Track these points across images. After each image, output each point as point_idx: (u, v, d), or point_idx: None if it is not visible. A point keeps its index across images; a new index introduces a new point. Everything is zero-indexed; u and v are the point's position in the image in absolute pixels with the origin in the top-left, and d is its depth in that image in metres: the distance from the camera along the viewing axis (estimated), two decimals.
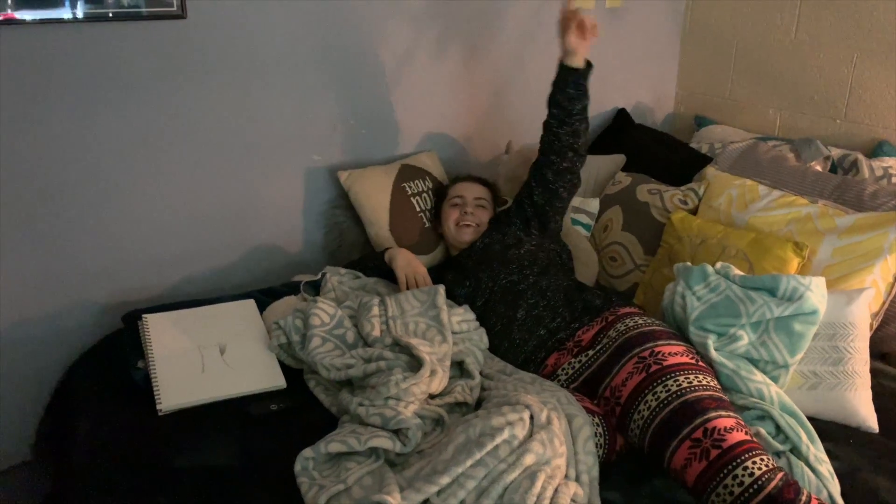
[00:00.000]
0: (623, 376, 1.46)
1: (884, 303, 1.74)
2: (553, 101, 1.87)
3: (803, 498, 1.19)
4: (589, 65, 1.83)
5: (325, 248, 2.25)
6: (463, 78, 2.37)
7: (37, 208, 1.79)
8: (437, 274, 1.99)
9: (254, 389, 1.59)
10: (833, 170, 2.22)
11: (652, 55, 2.80)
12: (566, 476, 1.30)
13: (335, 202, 2.21)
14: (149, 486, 1.35)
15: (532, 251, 1.89)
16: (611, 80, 2.70)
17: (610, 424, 1.45)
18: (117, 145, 1.85)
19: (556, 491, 1.21)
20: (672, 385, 1.37)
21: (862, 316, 1.60)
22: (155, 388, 1.55)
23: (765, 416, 1.44)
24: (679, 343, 1.51)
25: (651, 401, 1.37)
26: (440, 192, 2.18)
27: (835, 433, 1.50)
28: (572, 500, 1.23)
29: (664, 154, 2.39)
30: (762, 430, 1.40)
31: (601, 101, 2.70)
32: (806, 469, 1.34)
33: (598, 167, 2.34)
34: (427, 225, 2.17)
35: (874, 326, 1.74)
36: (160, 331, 1.68)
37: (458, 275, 1.92)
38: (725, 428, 1.28)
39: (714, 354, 1.51)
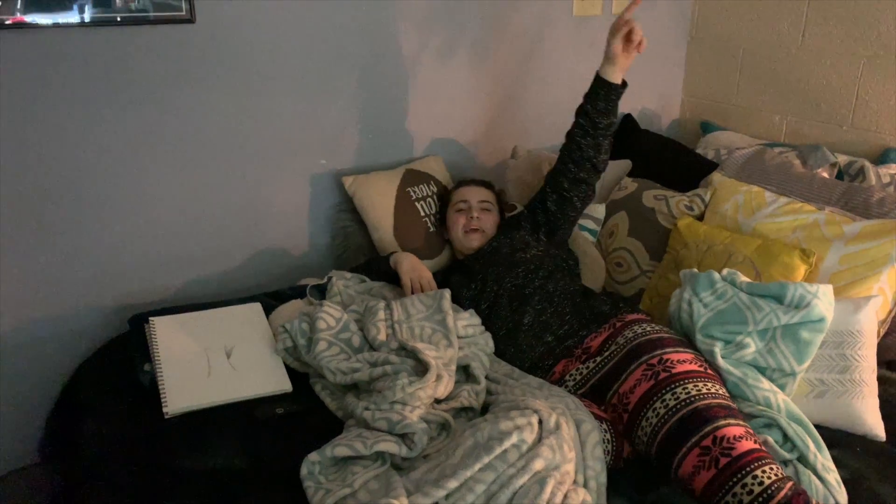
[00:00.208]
0: (631, 383, 1.45)
1: (891, 310, 1.74)
2: (582, 112, 1.89)
3: None
4: (624, 84, 1.84)
5: (331, 252, 2.25)
6: (469, 83, 2.37)
7: (44, 211, 1.80)
8: (443, 278, 1.99)
9: (260, 393, 1.60)
10: (839, 177, 2.22)
11: (658, 61, 2.80)
12: (574, 482, 1.30)
13: (341, 206, 2.21)
14: (155, 488, 1.35)
15: (539, 256, 1.89)
16: None
17: (618, 431, 1.45)
18: (124, 148, 1.86)
19: (565, 497, 1.21)
20: (681, 393, 1.37)
21: (869, 324, 1.60)
22: (161, 391, 1.55)
23: (772, 424, 1.44)
24: (687, 351, 1.50)
25: (659, 408, 1.37)
26: (444, 197, 2.18)
27: (842, 441, 1.49)
28: None
29: (670, 160, 2.39)
30: (769, 439, 1.40)
31: None
32: (813, 477, 1.34)
33: (604, 173, 2.33)
34: (432, 229, 2.17)
35: (881, 334, 1.73)
36: (167, 334, 1.69)
37: (463, 277, 1.92)
38: (735, 436, 1.28)
39: (721, 362, 1.51)
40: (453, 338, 1.64)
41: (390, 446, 1.33)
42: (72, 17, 1.70)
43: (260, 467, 1.40)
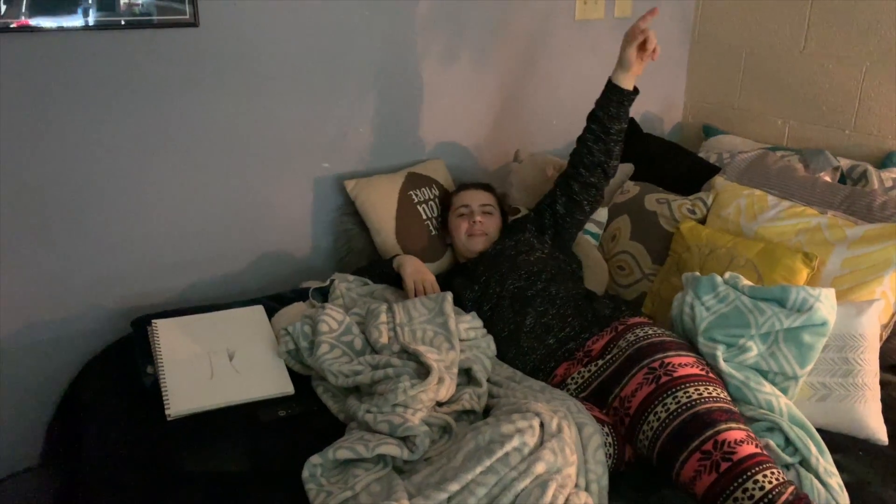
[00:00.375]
0: (633, 387, 1.45)
1: (893, 314, 1.73)
2: (593, 117, 1.92)
3: None
4: (636, 90, 1.87)
5: (334, 255, 2.25)
6: (472, 86, 2.37)
7: (47, 213, 1.80)
8: (445, 280, 1.99)
9: (262, 395, 1.60)
10: (842, 180, 2.22)
11: (660, 65, 2.78)
12: (576, 485, 1.30)
13: (344, 209, 2.22)
14: (157, 491, 1.35)
15: (542, 258, 1.90)
16: None
17: (619, 434, 1.45)
18: (128, 152, 1.86)
19: (566, 500, 1.21)
20: (682, 396, 1.37)
21: (872, 327, 1.59)
22: (164, 394, 1.55)
23: (774, 428, 1.43)
24: (689, 354, 1.50)
25: (661, 412, 1.37)
26: (445, 201, 2.18)
27: (844, 445, 1.49)
28: None
29: (672, 163, 2.39)
30: (771, 443, 1.39)
31: None
32: (815, 482, 1.34)
33: None
34: (434, 233, 2.17)
35: (884, 338, 1.73)
36: (169, 336, 1.69)
37: (466, 279, 1.92)
38: (736, 440, 1.28)
39: (723, 365, 1.51)
40: (455, 341, 1.64)
41: (392, 449, 1.33)
42: (76, 21, 1.71)
43: (262, 469, 1.40)
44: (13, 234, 1.77)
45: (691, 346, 1.59)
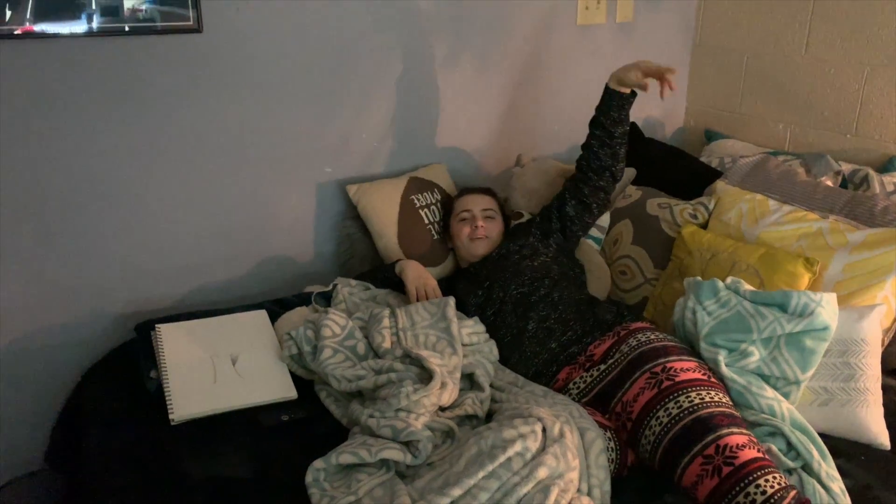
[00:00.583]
0: (635, 391, 1.46)
1: (895, 319, 1.74)
2: (596, 123, 1.94)
3: None
4: (633, 93, 1.89)
5: (337, 260, 2.26)
6: (473, 91, 2.38)
7: (51, 218, 1.81)
8: (448, 285, 2.00)
9: (265, 400, 1.60)
10: (844, 185, 2.22)
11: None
12: (578, 490, 1.30)
13: (346, 214, 2.23)
14: (160, 495, 1.36)
15: (546, 263, 1.90)
16: None
17: (621, 439, 1.45)
18: (131, 157, 1.87)
19: None
20: (684, 401, 1.37)
21: (873, 332, 1.60)
22: (167, 398, 1.56)
23: (776, 433, 1.44)
24: (691, 359, 1.51)
25: (663, 417, 1.37)
26: (447, 206, 2.19)
27: (846, 450, 1.49)
28: None
29: (674, 168, 2.39)
30: (773, 447, 1.40)
31: None
32: (817, 486, 1.34)
33: None
34: (436, 237, 2.18)
35: (886, 342, 1.73)
36: (173, 341, 1.70)
37: (469, 284, 1.93)
38: (738, 445, 1.28)
39: (725, 370, 1.51)
40: (458, 345, 1.65)
41: (395, 454, 1.34)
42: (80, 27, 1.72)
43: (265, 474, 1.41)
44: (17, 239, 1.78)
45: (693, 350, 1.59)
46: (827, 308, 1.53)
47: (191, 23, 1.83)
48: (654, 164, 2.41)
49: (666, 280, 1.99)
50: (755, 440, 1.33)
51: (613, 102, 1.89)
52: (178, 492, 1.36)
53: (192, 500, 1.34)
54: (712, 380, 1.47)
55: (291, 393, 1.63)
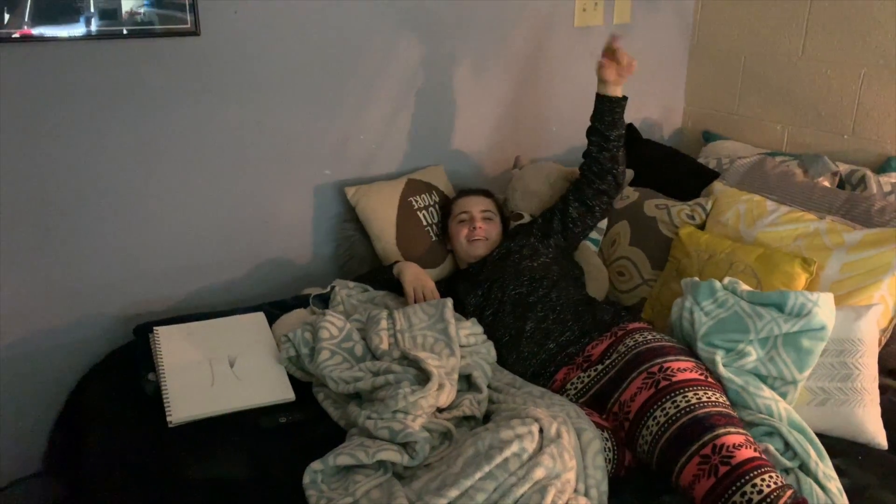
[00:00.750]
0: (632, 391, 1.46)
1: (892, 318, 1.74)
2: (592, 131, 2.00)
3: None
4: (624, 97, 1.96)
5: (335, 262, 2.26)
6: (471, 93, 2.39)
7: (49, 221, 1.81)
8: (447, 286, 2.00)
9: (263, 402, 1.60)
10: (841, 185, 2.22)
11: (660, 71, 2.82)
12: (575, 490, 1.30)
13: (345, 216, 2.23)
14: (159, 497, 1.36)
15: (546, 264, 1.91)
16: None
17: (619, 439, 1.45)
18: (130, 160, 1.87)
19: None
20: (681, 401, 1.38)
21: (870, 332, 1.60)
22: (165, 401, 1.56)
23: (773, 433, 1.44)
24: (688, 359, 1.51)
25: (660, 416, 1.38)
26: (445, 208, 2.19)
27: (843, 450, 1.49)
28: None
29: (672, 169, 2.40)
30: (770, 447, 1.40)
31: None
32: (814, 486, 1.34)
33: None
34: (434, 239, 2.18)
35: (883, 342, 1.73)
36: (171, 343, 1.70)
37: (469, 285, 1.93)
38: (734, 444, 1.28)
39: (722, 370, 1.51)
40: (455, 347, 1.65)
41: (392, 455, 1.34)
42: (78, 30, 1.72)
43: (263, 476, 1.41)
44: (15, 242, 1.78)
45: (691, 351, 1.59)
46: (824, 308, 1.53)
47: (188, 25, 1.83)
48: (652, 165, 2.42)
49: (664, 281, 2.00)
50: (752, 440, 1.33)
51: (605, 107, 1.96)
52: (176, 494, 1.36)
53: (190, 501, 1.35)
54: (710, 380, 1.47)
55: (289, 395, 1.63)
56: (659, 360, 1.49)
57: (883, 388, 1.61)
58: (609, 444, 1.43)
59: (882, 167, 2.28)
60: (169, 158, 1.92)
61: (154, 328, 1.73)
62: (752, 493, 1.21)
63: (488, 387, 1.61)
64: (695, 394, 1.39)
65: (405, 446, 1.38)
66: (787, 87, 2.56)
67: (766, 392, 1.50)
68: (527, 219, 2.18)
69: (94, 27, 1.73)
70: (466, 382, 1.62)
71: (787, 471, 1.38)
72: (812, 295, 1.54)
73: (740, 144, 2.63)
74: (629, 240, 2.13)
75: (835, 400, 1.55)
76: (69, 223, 1.84)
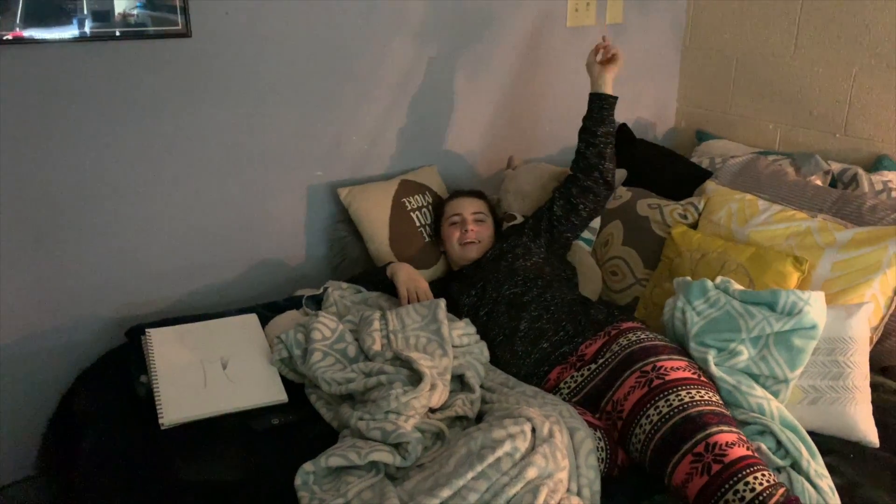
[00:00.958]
0: (625, 390, 1.46)
1: (883, 317, 1.74)
2: (582, 129, 2.05)
3: None
4: (615, 96, 2.02)
5: (328, 263, 2.26)
6: (464, 93, 2.39)
7: (42, 223, 1.81)
8: (440, 286, 2.00)
9: (255, 404, 1.60)
10: (833, 184, 2.23)
11: (653, 70, 2.82)
12: (568, 490, 1.30)
13: (338, 217, 2.23)
14: (151, 499, 1.36)
15: (539, 264, 1.91)
16: None
17: (612, 439, 1.45)
18: (122, 161, 1.87)
19: None
20: (674, 400, 1.38)
21: (861, 330, 1.60)
22: (157, 403, 1.55)
23: (765, 431, 1.44)
24: (681, 358, 1.51)
25: (653, 415, 1.38)
26: (438, 209, 2.19)
27: (835, 448, 1.49)
28: None
29: (665, 168, 2.40)
30: (763, 446, 1.40)
31: None
32: (806, 484, 1.34)
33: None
34: (427, 239, 2.18)
35: (874, 340, 1.74)
36: (163, 345, 1.70)
37: (463, 285, 1.93)
38: (727, 443, 1.28)
39: (714, 369, 1.51)
40: (448, 347, 1.65)
41: (384, 456, 1.34)
42: (71, 32, 1.71)
43: (255, 478, 1.41)
44: (6, 245, 1.78)
45: (683, 350, 1.59)
46: (815, 306, 1.54)
47: (179, 27, 1.83)
48: (645, 164, 2.42)
49: (656, 280, 2.00)
50: (745, 438, 1.33)
51: (594, 104, 2.02)
52: (168, 495, 1.36)
53: (182, 503, 1.34)
54: (702, 379, 1.47)
55: (282, 396, 1.63)
56: (652, 359, 1.49)
57: (874, 386, 1.61)
58: (602, 443, 1.43)
59: (874, 165, 2.29)
60: (161, 160, 1.92)
61: (146, 330, 1.73)
62: (744, 491, 1.21)
63: (481, 387, 1.61)
64: (688, 392, 1.40)
65: (397, 447, 1.37)
66: (780, 87, 2.56)
67: (758, 391, 1.50)
68: (519, 220, 2.18)
69: (87, 29, 1.73)
70: (459, 382, 1.62)
71: (779, 469, 1.38)
72: (803, 294, 1.54)
73: (733, 143, 2.64)
74: (622, 239, 2.13)
75: (826, 398, 1.55)
76: (61, 225, 1.83)
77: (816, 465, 1.38)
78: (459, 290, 1.93)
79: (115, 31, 1.77)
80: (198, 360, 1.68)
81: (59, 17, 1.70)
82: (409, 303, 1.86)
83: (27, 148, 1.75)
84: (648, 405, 1.40)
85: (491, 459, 1.24)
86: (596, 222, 2.23)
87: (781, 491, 1.22)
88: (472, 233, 2.03)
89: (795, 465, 1.39)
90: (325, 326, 1.66)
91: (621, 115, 2.78)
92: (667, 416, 1.36)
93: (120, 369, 1.73)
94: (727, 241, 1.91)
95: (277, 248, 2.18)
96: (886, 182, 2.16)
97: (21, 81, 1.70)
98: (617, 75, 2.03)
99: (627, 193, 2.23)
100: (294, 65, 2.05)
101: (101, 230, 1.89)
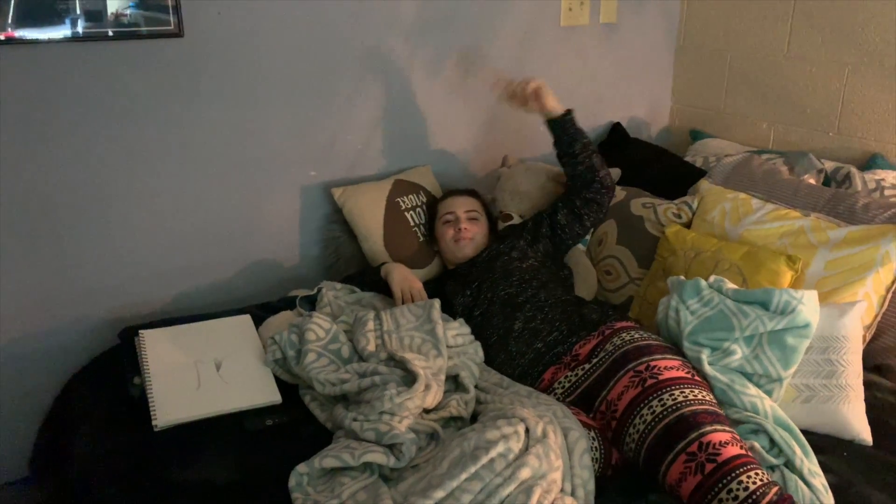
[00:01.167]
0: (619, 390, 1.46)
1: (876, 315, 1.75)
2: (559, 154, 2.03)
3: None
4: (568, 111, 1.99)
5: (322, 263, 2.26)
6: (458, 92, 2.39)
7: (36, 225, 1.80)
8: (435, 286, 2.00)
9: (249, 405, 1.60)
10: (826, 183, 2.24)
11: (646, 70, 2.83)
12: (562, 490, 1.30)
13: (332, 217, 2.22)
14: (145, 501, 1.35)
15: (535, 266, 1.91)
16: (606, 94, 2.73)
17: (606, 438, 1.45)
18: (115, 162, 1.87)
19: None
20: (667, 399, 1.38)
21: (855, 329, 1.61)
22: (151, 404, 1.55)
23: (759, 430, 1.44)
24: (675, 357, 1.51)
25: (646, 415, 1.38)
26: (432, 209, 2.19)
27: (829, 446, 1.50)
28: None
29: (658, 168, 2.41)
30: (756, 444, 1.40)
31: (596, 116, 2.73)
32: (800, 483, 1.34)
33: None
34: (422, 239, 2.18)
35: (867, 339, 1.74)
36: (156, 347, 1.69)
37: (457, 285, 1.93)
38: (720, 442, 1.28)
39: (708, 369, 1.51)
40: (443, 347, 1.65)
41: (378, 457, 1.34)
42: (63, 32, 1.71)
43: (249, 479, 1.40)
44: (1, 246, 1.77)
45: (677, 349, 1.60)
46: (808, 305, 1.54)
47: (171, 27, 1.83)
48: (639, 164, 2.43)
49: (650, 280, 2.00)
50: (738, 437, 1.33)
51: (555, 130, 2.00)
52: (162, 497, 1.36)
53: None
54: (696, 378, 1.47)
55: (276, 397, 1.63)
56: (645, 359, 1.49)
57: (867, 385, 1.62)
58: (596, 443, 1.43)
59: (867, 164, 2.29)
60: (154, 160, 1.92)
61: (139, 331, 1.72)
62: (738, 490, 1.21)
63: (475, 387, 1.61)
64: (681, 392, 1.40)
65: (391, 448, 1.37)
66: (773, 86, 2.57)
67: (752, 390, 1.51)
68: (517, 220, 2.18)
69: (79, 29, 1.73)
70: (454, 383, 1.62)
71: (772, 468, 1.38)
72: (797, 293, 1.54)
73: (727, 142, 2.64)
74: (616, 239, 2.13)
75: (820, 397, 1.56)
76: (53, 227, 1.83)
77: (810, 464, 1.39)
78: (454, 289, 1.93)
79: (107, 31, 1.77)
80: (191, 361, 1.67)
81: (52, 17, 1.69)
82: (403, 303, 1.86)
83: (19, 149, 1.74)
84: (642, 405, 1.40)
85: (484, 460, 1.24)
86: None
87: (775, 489, 1.22)
88: (465, 231, 2.03)
89: (789, 464, 1.39)
90: (319, 327, 1.66)
91: (616, 114, 2.79)
92: (660, 416, 1.36)
93: (113, 371, 1.72)
94: (721, 240, 1.91)
95: (271, 249, 2.18)
96: (879, 180, 2.17)
97: (13, 82, 1.69)
98: (548, 91, 1.96)
99: (622, 193, 2.23)
100: (287, 64, 2.04)
101: (94, 231, 1.88)
